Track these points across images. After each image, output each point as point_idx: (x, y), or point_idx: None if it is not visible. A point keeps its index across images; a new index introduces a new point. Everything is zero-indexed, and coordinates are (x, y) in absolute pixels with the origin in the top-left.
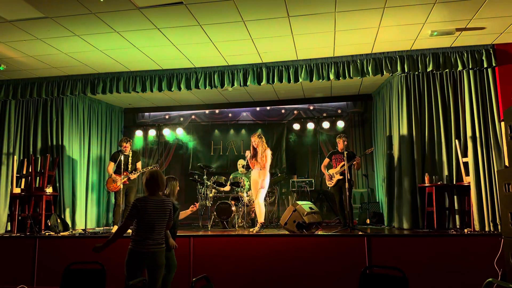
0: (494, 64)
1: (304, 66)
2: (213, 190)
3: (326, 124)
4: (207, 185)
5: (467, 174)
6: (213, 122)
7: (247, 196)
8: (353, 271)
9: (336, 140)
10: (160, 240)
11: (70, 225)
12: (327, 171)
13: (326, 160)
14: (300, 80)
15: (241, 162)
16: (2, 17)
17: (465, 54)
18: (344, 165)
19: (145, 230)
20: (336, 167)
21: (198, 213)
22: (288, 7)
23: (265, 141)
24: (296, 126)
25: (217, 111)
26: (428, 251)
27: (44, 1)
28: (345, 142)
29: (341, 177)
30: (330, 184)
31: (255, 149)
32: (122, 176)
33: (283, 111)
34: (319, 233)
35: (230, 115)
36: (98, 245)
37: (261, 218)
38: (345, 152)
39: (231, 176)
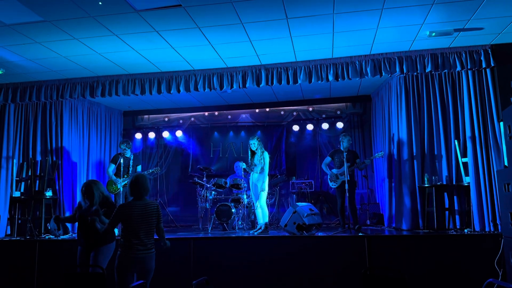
0: (492, 64)
1: (302, 68)
2: (213, 192)
3: (325, 125)
4: (207, 187)
5: (467, 174)
6: (212, 124)
7: (247, 198)
8: (353, 272)
9: (340, 139)
10: (149, 245)
11: (70, 229)
12: (331, 170)
13: (328, 159)
14: (299, 81)
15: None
16: (1, 21)
17: (464, 55)
18: (347, 165)
19: (132, 235)
20: (338, 167)
21: (198, 215)
22: (286, 9)
23: (262, 144)
24: (296, 128)
25: (216, 113)
26: (429, 252)
27: (43, 5)
28: (345, 142)
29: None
30: (334, 184)
31: (253, 152)
32: (122, 179)
33: (282, 112)
34: (319, 235)
35: (229, 117)
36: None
37: (265, 219)
38: (345, 153)
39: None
